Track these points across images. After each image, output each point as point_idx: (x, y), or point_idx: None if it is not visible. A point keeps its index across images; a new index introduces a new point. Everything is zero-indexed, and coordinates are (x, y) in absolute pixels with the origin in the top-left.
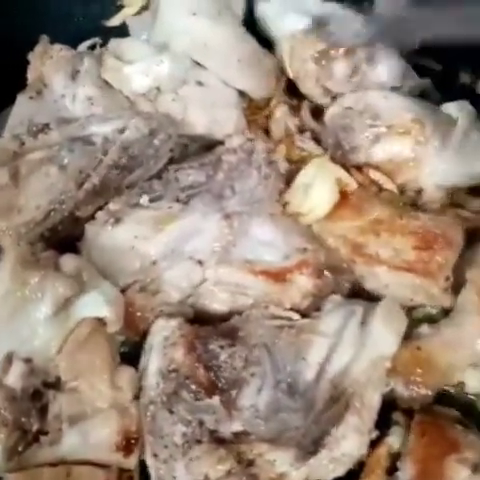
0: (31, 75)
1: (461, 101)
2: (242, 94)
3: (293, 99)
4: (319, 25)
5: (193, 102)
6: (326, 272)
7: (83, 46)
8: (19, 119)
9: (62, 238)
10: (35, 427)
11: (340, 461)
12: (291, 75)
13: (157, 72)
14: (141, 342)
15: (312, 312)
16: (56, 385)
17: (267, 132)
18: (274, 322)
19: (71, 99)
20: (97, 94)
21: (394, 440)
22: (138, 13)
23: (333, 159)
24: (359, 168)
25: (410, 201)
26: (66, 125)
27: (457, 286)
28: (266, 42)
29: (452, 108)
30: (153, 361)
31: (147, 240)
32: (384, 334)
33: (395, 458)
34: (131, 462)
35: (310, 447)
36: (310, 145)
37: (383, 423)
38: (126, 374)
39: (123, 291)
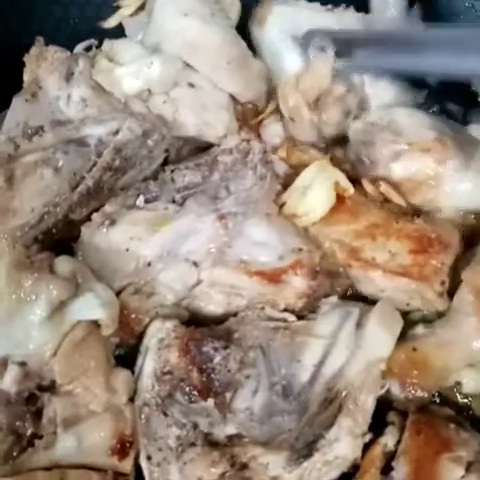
0: (27, 77)
1: None
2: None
3: None
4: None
5: (184, 104)
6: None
7: (79, 47)
8: (15, 122)
9: (57, 240)
10: (30, 431)
11: (333, 464)
12: (286, 115)
13: (148, 74)
14: (136, 345)
15: (307, 313)
16: (51, 388)
17: None
18: (269, 323)
19: (65, 101)
20: (91, 95)
21: (389, 440)
22: (134, 14)
23: (354, 174)
24: (374, 181)
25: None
26: (60, 127)
27: (454, 290)
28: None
29: (477, 130)
30: (148, 363)
31: (142, 241)
32: (379, 336)
33: (389, 458)
34: (126, 466)
35: (303, 450)
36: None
37: (377, 423)
38: (121, 376)
39: (118, 293)
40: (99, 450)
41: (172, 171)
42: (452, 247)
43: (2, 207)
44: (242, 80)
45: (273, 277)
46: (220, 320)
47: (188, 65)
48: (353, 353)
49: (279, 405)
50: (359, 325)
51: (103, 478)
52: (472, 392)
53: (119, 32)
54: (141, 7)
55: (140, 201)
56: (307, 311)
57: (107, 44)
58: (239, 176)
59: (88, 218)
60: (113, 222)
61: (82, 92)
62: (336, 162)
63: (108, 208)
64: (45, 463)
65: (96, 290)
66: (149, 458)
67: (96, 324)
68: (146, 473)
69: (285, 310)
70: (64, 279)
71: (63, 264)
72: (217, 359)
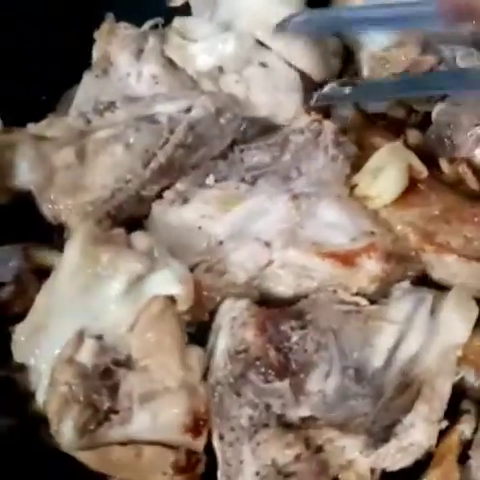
0: (97, 53)
1: None
2: (304, 77)
3: None
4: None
5: (256, 84)
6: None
7: (146, 26)
8: (85, 97)
9: (127, 217)
10: (106, 405)
11: (408, 450)
12: None
13: (222, 51)
14: (206, 323)
15: (378, 298)
16: (126, 363)
17: None
18: (342, 307)
19: (136, 77)
20: (161, 73)
21: (465, 428)
22: None
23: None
24: (452, 160)
25: None
26: (132, 104)
27: None
28: None
29: None
30: (221, 341)
31: (214, 220)
32: (455, 322)
33: (466, 447)
34: (199, 444)
35: (380, 434)
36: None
37: (452, 412)
38: (195, 354)
39: (190, 270)
40: (173, 427)
41: (241, 151)
42: None
43: (73, 182)
44: (317, 57)
45: (346, 259)
46: (289, 302)
47: (260, 43)
48: (428, 339)
49: (352, 389)
50: (433, 311)
51: (177, 455)
52: None
53: (185, 11)
54: None
55: (210, 180)
56: (378, 296)
57: (178, 21)
58: (311, 157)
59: (157, 195)
60: (185, 200)
61: (152, 69)
62: (408, 145)
63: (180, 186)
64: (120, 438)
65: (172, 265)
66: (221, 438)
67: (171, 300)
68: (218, 453)
69: (357, 294)
70: (142, 254)
71: (140, 239)
72: (294, 338)
